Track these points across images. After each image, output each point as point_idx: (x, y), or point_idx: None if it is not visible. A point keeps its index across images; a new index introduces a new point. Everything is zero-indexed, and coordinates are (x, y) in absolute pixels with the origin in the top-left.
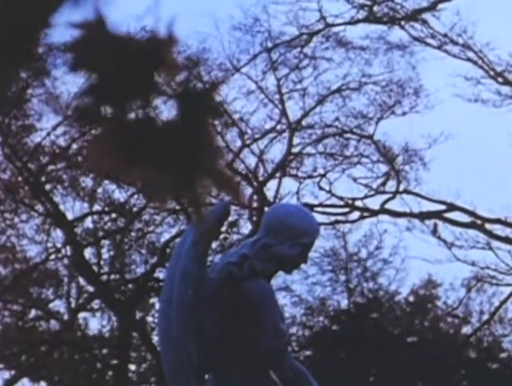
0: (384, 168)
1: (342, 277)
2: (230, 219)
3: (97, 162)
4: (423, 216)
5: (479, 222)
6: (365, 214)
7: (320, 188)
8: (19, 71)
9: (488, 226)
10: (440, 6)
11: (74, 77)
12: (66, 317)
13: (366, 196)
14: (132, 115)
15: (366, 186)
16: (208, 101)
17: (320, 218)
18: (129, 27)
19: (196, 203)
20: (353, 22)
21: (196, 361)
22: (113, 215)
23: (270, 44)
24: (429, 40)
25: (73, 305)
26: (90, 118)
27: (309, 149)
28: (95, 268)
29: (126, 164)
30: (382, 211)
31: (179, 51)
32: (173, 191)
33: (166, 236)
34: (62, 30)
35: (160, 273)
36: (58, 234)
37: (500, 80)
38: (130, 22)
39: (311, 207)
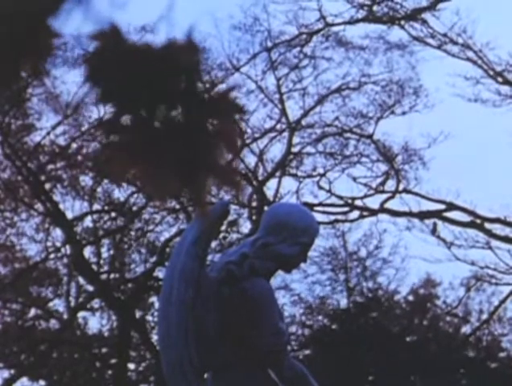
0: (384, 167)
1: (342, 276)
2: (230, 218)
3: (117, 169)
4: (422, 216)
5: (478, 221)
6: (365, 213)
7: (320, 187)
8: (21, 71)
9: (487, 225)
10: (440, 5)
11: (74, 77)
12: (65, 316)
13: (366, 195)
14: (153, 122)
15: (366, 185)
16: (216, 103)
17: (319, 217)
18: (143, 35)
19: (200, 199)
20: (352, 21)
21: (195, 360)
22: (113, 215)
23: (269, 44)
24: (429, 40)
25: (73, 304)
26: (111, 128)
27: (309, 149)
28: (95, 267)
29: (131, 163)
30: (382, 210)
31: (201, 57)
32: (176, 188)
33: (166, 235)
34: (68, 31)
35: (160, 272)
36: (58, 233)
37: (499, 79)
38: (144, 30)
39: (310, 206)
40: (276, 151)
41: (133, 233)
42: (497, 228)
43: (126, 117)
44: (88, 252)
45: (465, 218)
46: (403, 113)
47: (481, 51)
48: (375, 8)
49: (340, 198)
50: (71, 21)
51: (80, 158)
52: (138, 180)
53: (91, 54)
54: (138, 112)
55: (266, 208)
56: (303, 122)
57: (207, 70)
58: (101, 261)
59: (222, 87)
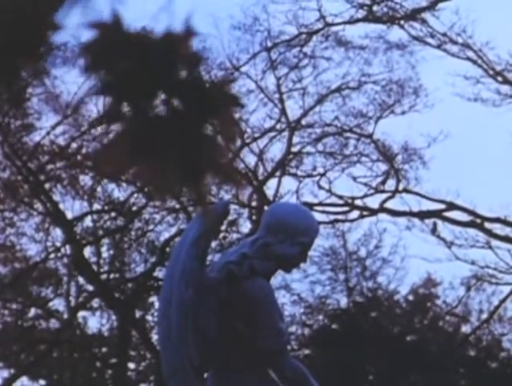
0: (383, 167)
1: (341, 276)
2: (230, 218)
3: (113, 163)
4: (422, 215)
5: (478, 221)
6: (365, 213)
7: (320, 187)
8: (21, 71)
9: (487, 225)
10: (440, 5)
11: (74, 76)
12: (65, 316)
13: (366, 195)
14: (151, 113)
15: (366, 185)
16: (214, 95)
17: (319, 217)
18: (144, 26)
19: (201, 197)
20: (352, 21)
21: (195, 360)
22: (113, 214)
23: (269, 43)
24: (428, 39)
25: (73, 303)
26: (112, 118)
27: (309, 149)
28: (94, 267)
29: (131, 161)
30: (382, 210)
31: (196, 45)
32: (178, 186)
33: (166, 235)
34: (68, 30)
35: (160, 272)
36: (57, 233)
37: (499, 79)
38: (145, 21)
39: (310, 206)
40: (276, 151)
41: (133, 233)
42: (497, 228)
43: (125, 106)
44: (88, 251)
45: (465, 217)
46: (403, 113)
47: (481, 51)
48: (375, 8)
49: (340, 197)
50: (71, 19)
51: (79, 157)
52: (138, 179)
53: (90, 43)
54: (136, 103)
55: (265, 208)
56: (303, 122)
57: (207, 69)
58: (101, 261)
59: (219, 78)
